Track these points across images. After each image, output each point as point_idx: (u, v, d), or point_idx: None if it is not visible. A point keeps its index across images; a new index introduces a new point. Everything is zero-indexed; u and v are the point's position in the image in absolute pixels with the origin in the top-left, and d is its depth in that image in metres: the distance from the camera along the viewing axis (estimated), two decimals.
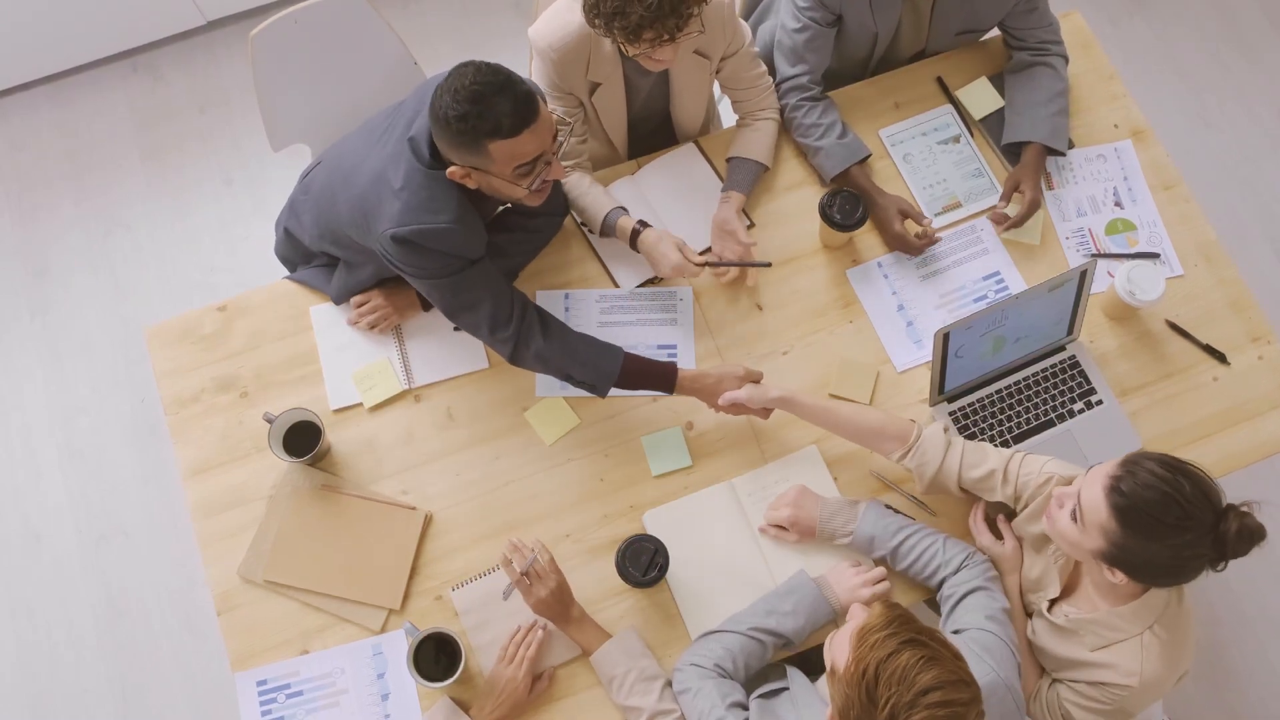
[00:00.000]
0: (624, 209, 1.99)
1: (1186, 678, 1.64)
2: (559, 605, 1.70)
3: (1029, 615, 1.71)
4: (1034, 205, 1.99)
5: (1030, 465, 1.65)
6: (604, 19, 1.68)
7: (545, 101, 1.62)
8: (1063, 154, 2.05)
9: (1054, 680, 1.67)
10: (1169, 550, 1.39)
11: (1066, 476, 1.61)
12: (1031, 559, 1.69)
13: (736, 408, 1.81)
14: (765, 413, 1.85)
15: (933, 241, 2.01)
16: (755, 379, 1.83)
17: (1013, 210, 2.01)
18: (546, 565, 1.70)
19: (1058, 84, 2.04)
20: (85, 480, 2.74)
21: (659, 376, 1.82)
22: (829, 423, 1.76)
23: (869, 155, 2.04)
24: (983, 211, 2.06)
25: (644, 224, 1.95)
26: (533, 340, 1.77)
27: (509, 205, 1.97)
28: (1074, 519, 1.46)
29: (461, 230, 1.67)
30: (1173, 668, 1.54)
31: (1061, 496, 1.51)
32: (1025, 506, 1.67)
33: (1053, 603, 1.65)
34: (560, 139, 1.66)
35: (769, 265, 1.95)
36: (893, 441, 1.72)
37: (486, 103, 1.51)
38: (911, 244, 2.01)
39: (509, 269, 1.99)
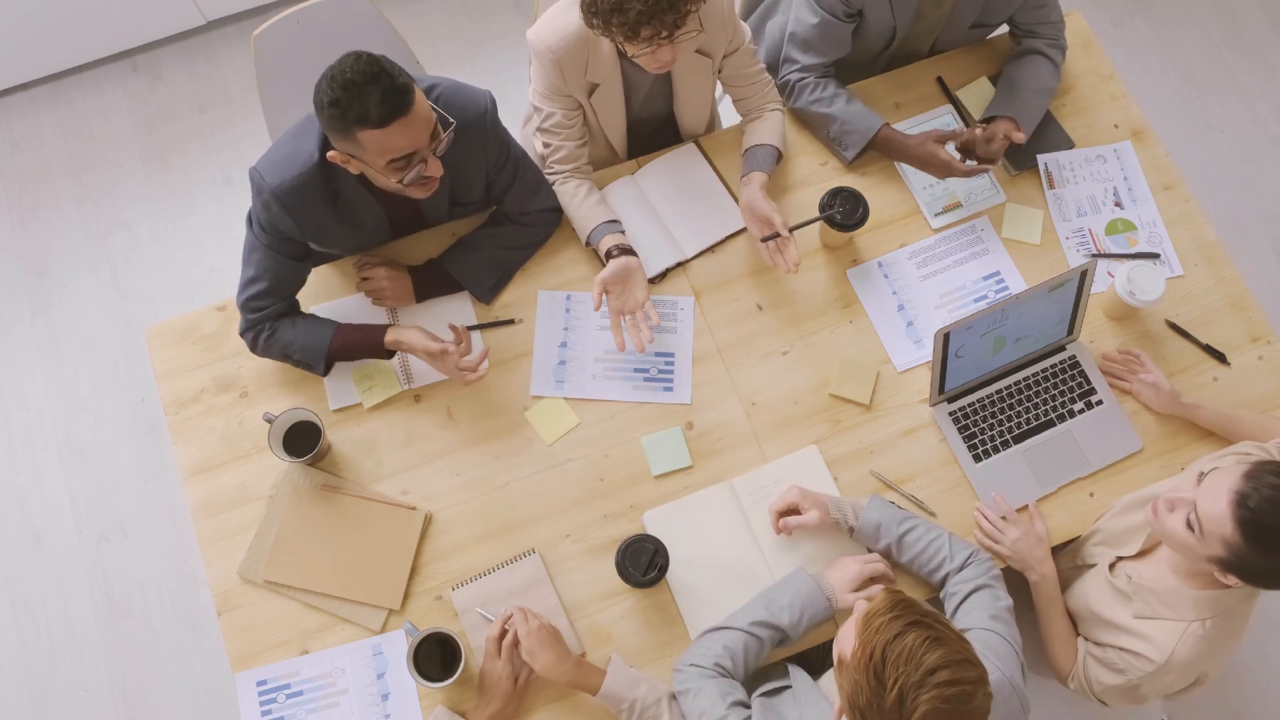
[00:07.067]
0: (612, 223, 1.96)
1: (1200, 686, 1.62)
2: (555, 646, 1.66)
3: (1088, 568, 1.71)
4: (991, 139, 1.97)
5: None
6: (601, 17, 1.67)
7: (419, 102, 1.57)
8: (1022, 140, 1.98)
9: (1085, 641, 1.69)
10: None
11: None
12: (1129, 513, 1.69)
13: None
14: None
15: (984, 167, 1.97)
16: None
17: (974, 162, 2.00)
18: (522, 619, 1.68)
19: (1051, 80, 2.06)
20: (86, 479, 2.74)
21: (373, 346, 1.89)
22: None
23: (884, 125, 2.03)
24: (982, 212, 2.07)
25: (622, 249, 1.92)
26: (263, 333, 1.86)
27: (499, 206, 1.98)
28: (1189, 527, 1.44)
29: (272, 206, 1.71)
30: (1200, 664, 1.54)
31: (1173, 501, 1.47)
32: None
33: (1115, 562, 1.65)
34: (442, 139, 1.64)
35: (811, 220, 1.94)
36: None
37: (356, 91, 1.51)
38: (959, 168, 1.97)
39: (504, 264, 1.99)
